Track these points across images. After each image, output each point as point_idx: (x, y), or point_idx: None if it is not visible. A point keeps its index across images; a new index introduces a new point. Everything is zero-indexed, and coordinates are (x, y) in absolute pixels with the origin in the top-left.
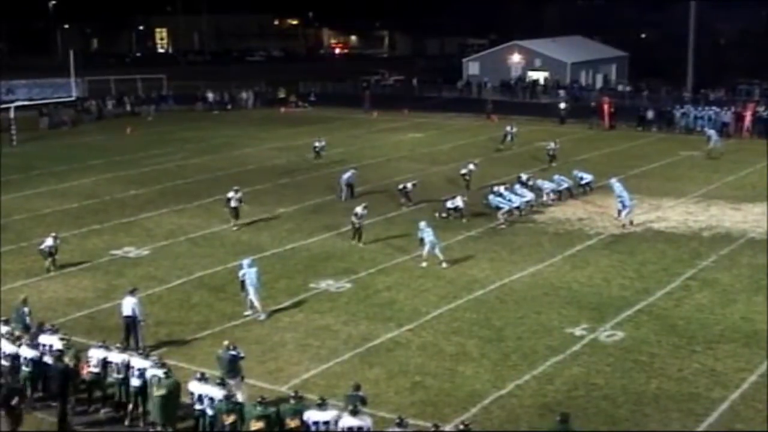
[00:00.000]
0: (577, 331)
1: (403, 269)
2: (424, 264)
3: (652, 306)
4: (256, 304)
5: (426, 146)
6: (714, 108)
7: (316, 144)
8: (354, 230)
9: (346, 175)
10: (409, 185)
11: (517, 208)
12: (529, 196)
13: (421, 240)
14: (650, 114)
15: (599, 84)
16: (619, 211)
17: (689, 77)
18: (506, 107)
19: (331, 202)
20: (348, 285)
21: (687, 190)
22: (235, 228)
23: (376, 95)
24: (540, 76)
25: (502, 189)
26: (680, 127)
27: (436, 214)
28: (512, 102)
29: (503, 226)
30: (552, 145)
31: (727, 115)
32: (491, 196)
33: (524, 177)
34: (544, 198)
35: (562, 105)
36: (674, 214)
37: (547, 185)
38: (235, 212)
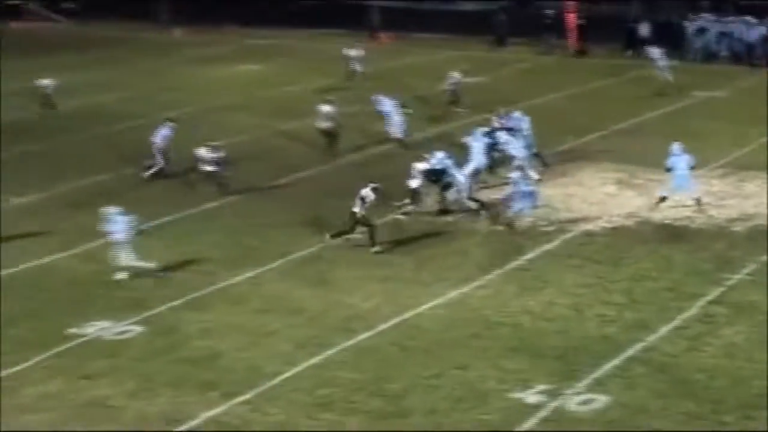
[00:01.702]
0: (530, 397)
1: (229, 299)
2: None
3: (653, 351)
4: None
5: (269, 87)
6: (748, 18)
7: (44, 83)
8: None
9: (159, 135)
10: (206, 155)
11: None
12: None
13: None
14: (644, 30)
15: None
16: (663, 197)
17: None
18: (404, 20)
19: (109, 182)
20: (137, 328)
21: (706, 155)
22: None
23: (180, 1)
24: None
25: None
26: (694, 50)
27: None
28: (414, 10)
29: (403, 217)
30: (455, 77)
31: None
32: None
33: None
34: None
35: (502, 16)
36: (686, 197)
37: (516, 150)
38: None
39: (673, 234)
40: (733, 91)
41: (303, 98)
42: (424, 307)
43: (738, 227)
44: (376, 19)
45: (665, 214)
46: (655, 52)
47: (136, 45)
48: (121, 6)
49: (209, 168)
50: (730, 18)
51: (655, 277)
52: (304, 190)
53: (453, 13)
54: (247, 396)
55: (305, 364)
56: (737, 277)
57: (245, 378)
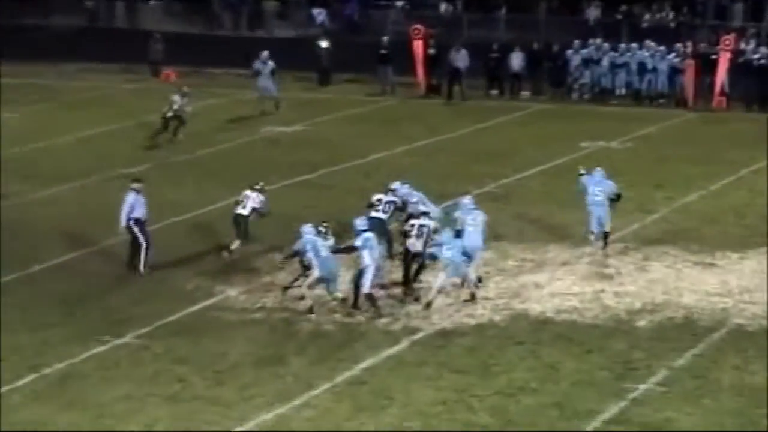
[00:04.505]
0: None
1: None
2: None
3: None
4: None
5: (26, 139)
6: (653, 45)
7: None
8: None
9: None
10: None
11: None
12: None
13: None
14: (517, 62)
15: None
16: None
17: None
18: (195, 52)
19: None
20: None
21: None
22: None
23: None
24: None
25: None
26: (580, 87)
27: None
28: (208, 38)
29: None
30: (177, 99)
31: (678, 60)
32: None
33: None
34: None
35: (323, 44)
36: (573, 281)
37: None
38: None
39: (556, 330)
40: (632, 140)
41: (72, 152)
42: None
43: (642, 321)
44: (157, 52)
45: (545, 305)
46: (263, 73)
47: None
48: None
49: None
50: (628, 45)
51: (534, 390)
52: (60, 280)
53: (263, 40)
54: None
55: None
56: (643, 387)
57: None
